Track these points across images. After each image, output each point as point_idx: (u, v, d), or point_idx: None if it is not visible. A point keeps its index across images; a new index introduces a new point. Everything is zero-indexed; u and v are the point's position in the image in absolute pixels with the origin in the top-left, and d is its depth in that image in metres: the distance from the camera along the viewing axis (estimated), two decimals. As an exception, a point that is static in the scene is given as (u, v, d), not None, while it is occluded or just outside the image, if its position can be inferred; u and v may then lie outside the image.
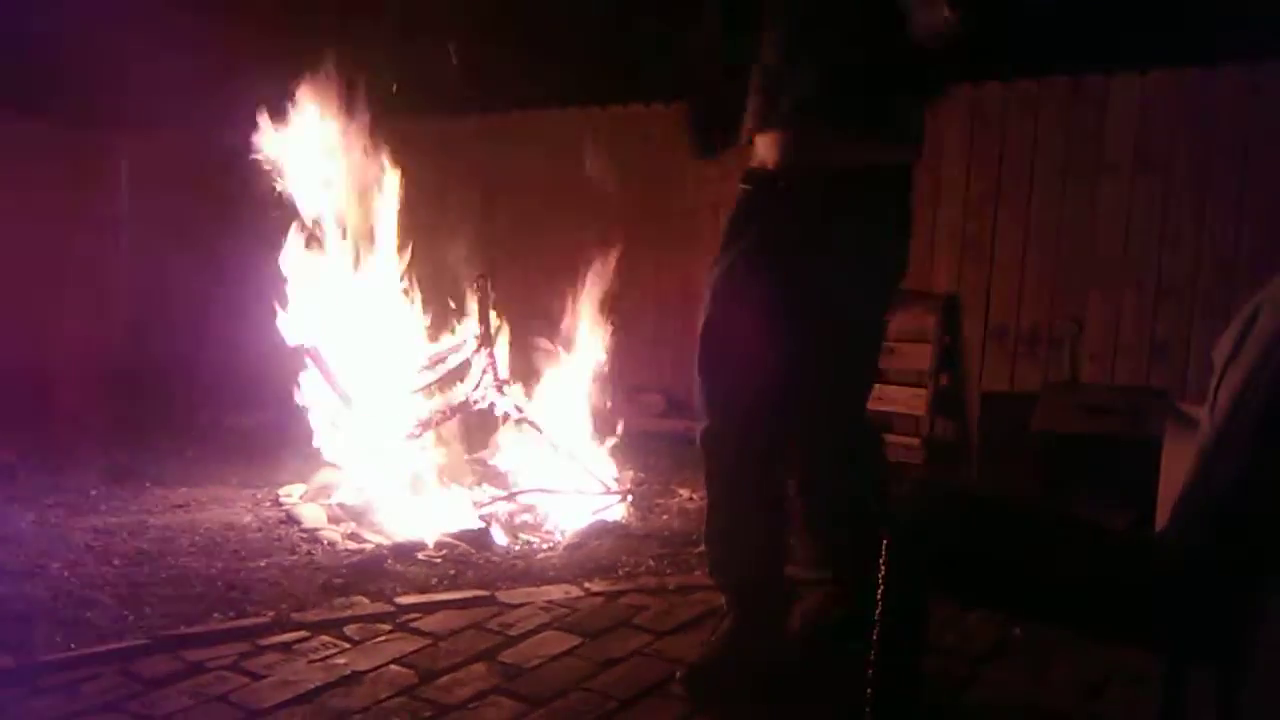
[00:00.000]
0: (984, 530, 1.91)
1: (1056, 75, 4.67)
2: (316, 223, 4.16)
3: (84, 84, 6.72)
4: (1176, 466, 2.64)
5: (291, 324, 4.06)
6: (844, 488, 2.49)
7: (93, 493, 3.92)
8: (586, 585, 3.07)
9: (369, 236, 4.23)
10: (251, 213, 4.38)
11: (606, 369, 4.36)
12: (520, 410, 4.13)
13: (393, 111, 4.59)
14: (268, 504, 3.88)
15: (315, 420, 4.06)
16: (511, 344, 4.27)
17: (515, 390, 4.18)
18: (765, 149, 2.40)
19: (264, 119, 4.12)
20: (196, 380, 6.25)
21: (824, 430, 2.50)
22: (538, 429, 4.09)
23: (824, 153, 2.32)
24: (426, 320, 4.27)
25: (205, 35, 5.78)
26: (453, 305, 4.28)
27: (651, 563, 3.35)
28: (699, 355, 2.45)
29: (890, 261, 2.42)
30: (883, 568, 1.79)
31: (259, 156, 4.13)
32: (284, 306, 4.08)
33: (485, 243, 4.96)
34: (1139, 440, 3.47)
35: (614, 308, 4.47)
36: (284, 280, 4.10)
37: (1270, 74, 4.22)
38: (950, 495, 2.43)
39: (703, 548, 2.62)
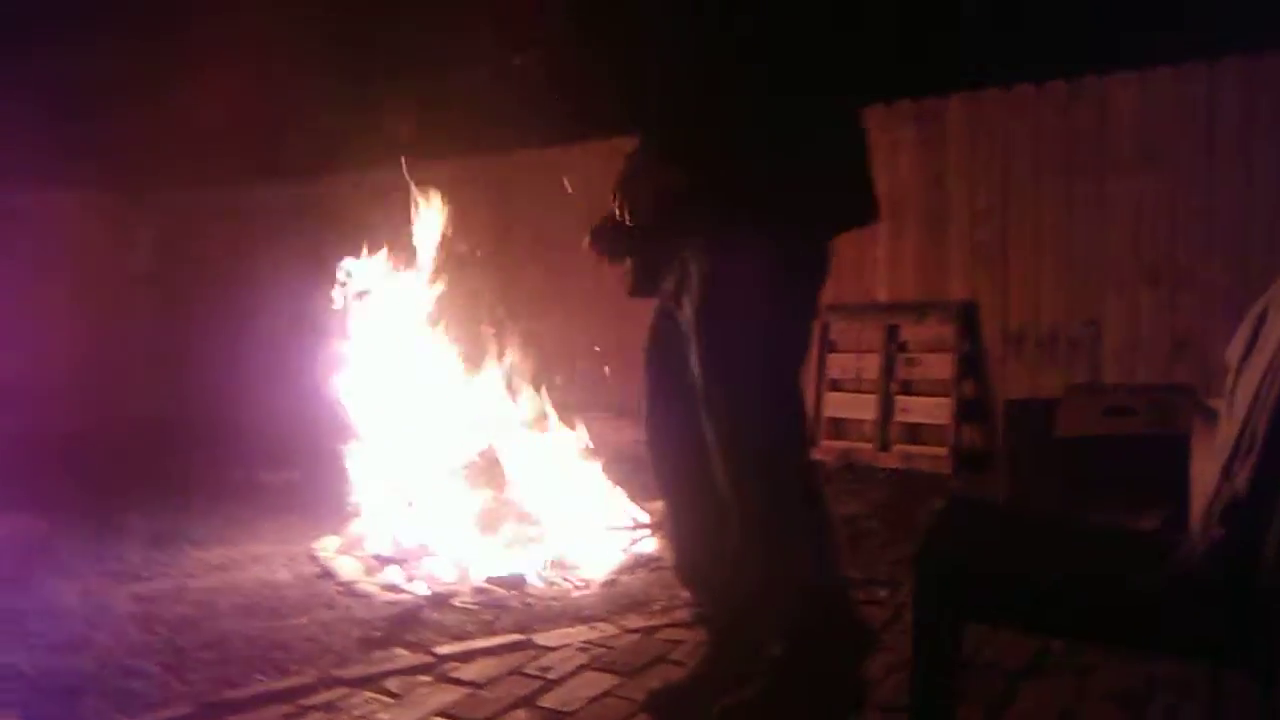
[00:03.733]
0: (1013, 550, 1.92)
1: (1053, 79, 4.69)
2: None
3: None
4: (1206, 463, 2.63)
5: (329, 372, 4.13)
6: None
7: (132, 559, 3.96)
8: (622, 622, 3.08)
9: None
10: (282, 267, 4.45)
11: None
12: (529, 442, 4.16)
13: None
14: (304, 559, 3.91)
15: (347, 472, 4.10)
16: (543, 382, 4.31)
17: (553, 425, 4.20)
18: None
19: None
20: (227, 438, 6.31)
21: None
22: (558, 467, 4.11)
23: None
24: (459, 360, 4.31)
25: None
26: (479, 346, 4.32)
27: (685, 594, 3.35)
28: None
29: None
30: (915, 587, 1.79)
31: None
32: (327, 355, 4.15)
33: (510, 281, 4.98)
34: (1166, 438, 3.45)
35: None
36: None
37: (1268, 67, 4.22)
38: (978, 513, 2.44)
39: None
